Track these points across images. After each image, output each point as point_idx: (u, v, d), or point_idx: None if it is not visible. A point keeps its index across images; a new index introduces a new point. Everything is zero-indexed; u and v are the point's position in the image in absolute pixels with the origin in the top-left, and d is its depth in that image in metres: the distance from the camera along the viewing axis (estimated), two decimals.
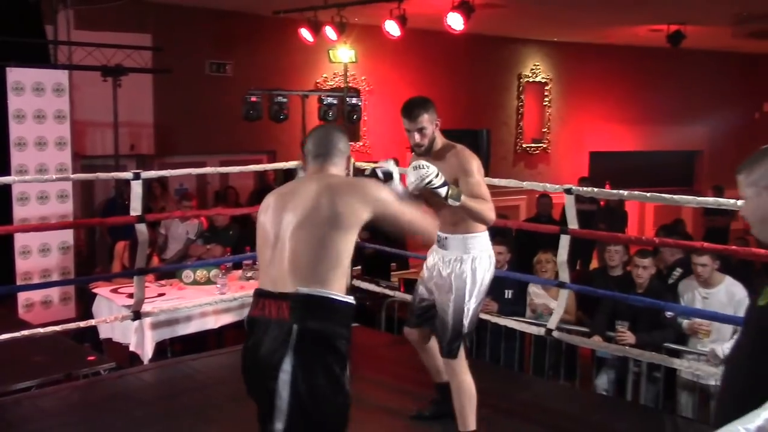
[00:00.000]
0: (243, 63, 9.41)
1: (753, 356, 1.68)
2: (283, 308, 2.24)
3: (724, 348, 3.93)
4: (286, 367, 2.19)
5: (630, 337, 4.67)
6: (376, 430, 3.86)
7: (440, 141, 3.47)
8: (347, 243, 2.32)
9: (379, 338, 5.68)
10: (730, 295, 4.69)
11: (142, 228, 4.52)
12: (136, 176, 4.52)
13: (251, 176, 9.75)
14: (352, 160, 2.68)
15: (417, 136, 3.40)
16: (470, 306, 3.44)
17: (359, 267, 6.02)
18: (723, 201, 3.87)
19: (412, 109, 3.42)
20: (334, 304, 2.28)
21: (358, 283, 5.44)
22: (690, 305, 4.81)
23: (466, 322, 3.43)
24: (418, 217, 2.56)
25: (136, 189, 4.50)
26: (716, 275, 4.76)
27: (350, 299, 2.34)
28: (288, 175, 8.59)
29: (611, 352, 4.59)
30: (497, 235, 5.75)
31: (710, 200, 4.06)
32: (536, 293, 5.48)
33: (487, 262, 3.49)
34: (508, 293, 5.49)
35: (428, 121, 3.40)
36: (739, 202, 3.86)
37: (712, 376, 4.38)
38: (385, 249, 6.02)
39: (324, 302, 2.26)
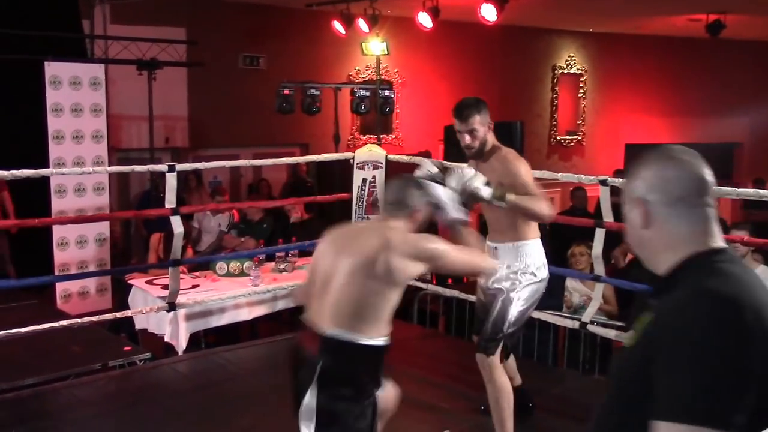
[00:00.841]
0: (276, 56, 9.44)
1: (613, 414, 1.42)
2: (315, 343, 2.44)
3: None
4: (310, 395, 2.41)
5: None
6: (407, 424, 3.84)
7: (491, 144, 3.36)
8: (393, 295, 2.47)
9: (411, 331, 5.66)
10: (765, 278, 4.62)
11: (176, 220, 4.56)
12: (171, 168, 4.55)
13: (284, 169, 9.79)
14: (425, 213, 2.70)
15: (468, 138, 3.30)
16: (515, 310, 3.36)
17: None
18: (764, 192, 3.80)
19: (463, 110, 3.31)
20: (361, 347, 2.42)
21: None
22: None
23: (506, 324, 3.36)
24: (470, 259, 2.67)
25: (171, 181, 4.54)
26: (752, 262, 4.69)
27: (381, 341, 2.46)
28: (320, 167, 8.64)
29: None
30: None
31: (751, 191, 3.99)
32: (574, 287, 5.41)
33: (538, 271, 3.39)
34: None
35: (480, 123, 3.29)
36: None
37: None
38: None
39: (351, 346, 2.42)
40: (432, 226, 2.82)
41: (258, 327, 5.93)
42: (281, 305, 5.55)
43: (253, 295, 5.39)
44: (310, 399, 2.40)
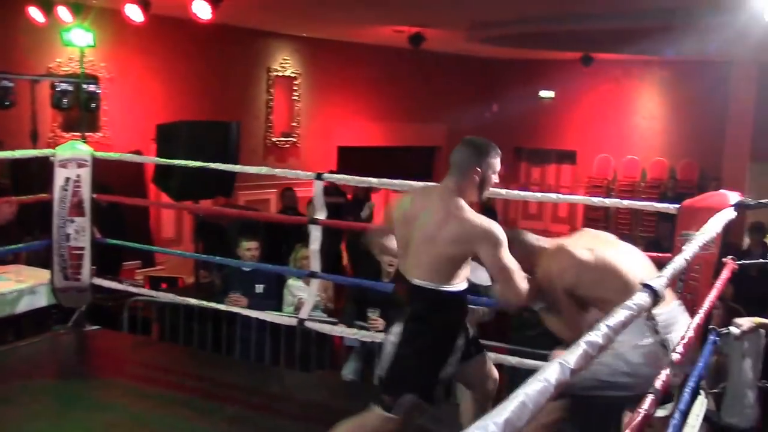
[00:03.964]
0: None
1: None
2: (405, 291, 2.91)
3: None
4: (395, 331, 2.91)
5: (381, 324, 4.82)
6: None
7: None
8: (461, 258, 2.83)
9: (122, 340, 5.38)
10: None
11: None
12: None
13: None
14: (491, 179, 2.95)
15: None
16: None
17: (95, 267, 5.62)
18: None
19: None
20: (440, 293, 2.82)
21: (99, 281, 5.08)
22: None
23: None
24: (515, 277, 2.80)
25: None
26: None
27: (457, 288, 2.85)
28: (16, 166, 7.83)
29: (358, 338, 4.70)
30: (247, 230, 5.69)
31: None
32: (296, 287, 5.47)
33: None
34: (259, 288, 5.44)
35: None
36: None
37: None
38: (127, 244, 5.68)
39: (431, 292, 2.82)
40: None
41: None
42: None
43: None
44: (392, 336, 2.91)
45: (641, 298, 1.48)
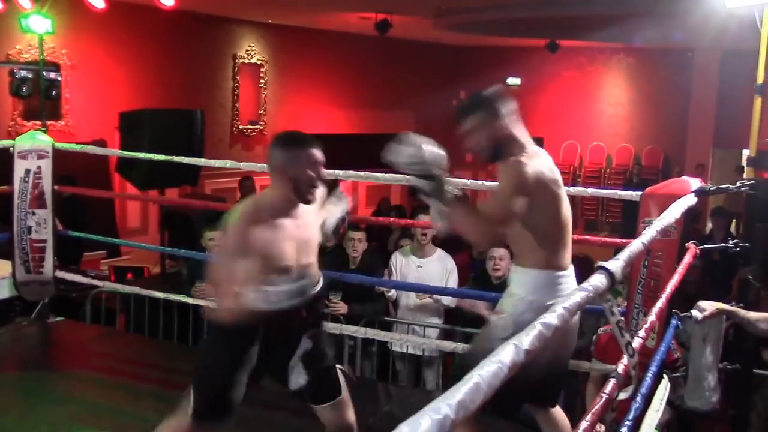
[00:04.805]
0: None
1: None
2: None
3: None
4: None
5: (342, 307, 4.83)
6: (87, 430, 3.58)
7: (505, 147, 2.79)
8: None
9: (87, 331, 5.31)
10: (443, 264, 5.11)
11: None
12: None
13: None
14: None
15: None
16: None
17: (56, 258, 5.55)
18: (399, 177, 4.18)
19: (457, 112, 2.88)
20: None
21: (62, 274, 5.01)
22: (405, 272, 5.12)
23: None
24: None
25: None
26: (430, 247, 5.15)
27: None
28: None
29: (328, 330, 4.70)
30: (212, 220, 5.64)
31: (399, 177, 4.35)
32: None
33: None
34: None
35: (474, 124, 2.83)
36: None
37: (421, 346, 4.72)
38: (90, 237, 5.60)
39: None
40: None
41: None
42: None
43: None
44: None
45: (598, 279, 1.50)
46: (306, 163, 2.64)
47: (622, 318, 1.83)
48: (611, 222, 13.81)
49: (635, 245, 1.88)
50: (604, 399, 1.55)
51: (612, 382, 1.65)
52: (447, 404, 0.88)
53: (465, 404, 0.91)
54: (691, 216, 3.32)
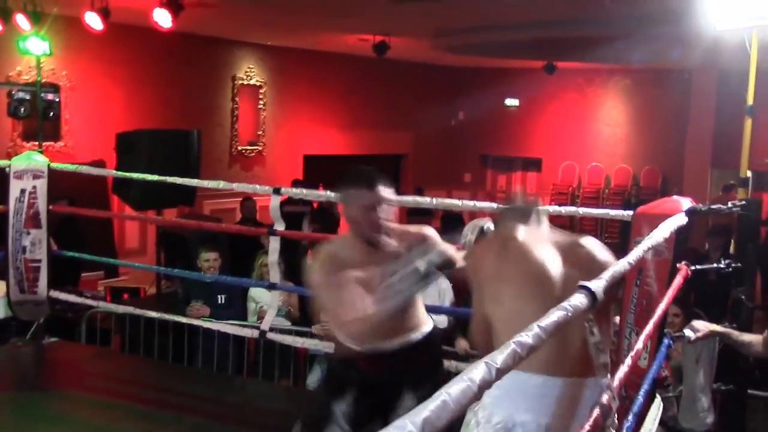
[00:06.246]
0: None
1: None
2: None
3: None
4: None
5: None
6: None
7: None
8: None
9: (82, 352, 5.31)
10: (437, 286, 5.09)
11: None
12: None
13: None
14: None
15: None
16: None
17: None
18: (420, 200, 4.21)
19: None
20: None
21: (56, 294, 5.01)
22: None
23: None
24: None
25: None
26: None
27: None
28: None
29: (320, 348, 4.68)
30: (208, 241, 5.66)
31: (409, 199, 4.38)
32: (258, 294, 5.42)
33: None
34: (221, 298, 5.41)
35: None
36: (435, 201, 4.22)
37: None
38: (84, 257, 5.60)
39: None
40: None
41: None
42: None
43: None
44: None
45: (578, 299, 1.50)
46: (361, 204, 2.49)
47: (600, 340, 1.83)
48: (610, 242, 13.79)
49: (621, 265, 1.88)
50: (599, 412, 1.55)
51: (606, 396, 1.65)
52: (412, 421, 0.88)
53: (431, 421, 0.91)
54: (684, 236, 3.32)
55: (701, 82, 12.86)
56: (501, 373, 1.09)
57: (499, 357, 1.12)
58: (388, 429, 0.86)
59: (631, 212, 3.49)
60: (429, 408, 0.92)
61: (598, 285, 1.62)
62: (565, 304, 1.44)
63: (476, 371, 1.05)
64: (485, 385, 1.04)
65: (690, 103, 13.12)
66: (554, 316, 1.36)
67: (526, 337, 1.22)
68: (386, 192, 2.52)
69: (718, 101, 12.52)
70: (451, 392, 0.97)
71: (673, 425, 3.48)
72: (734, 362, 3.58)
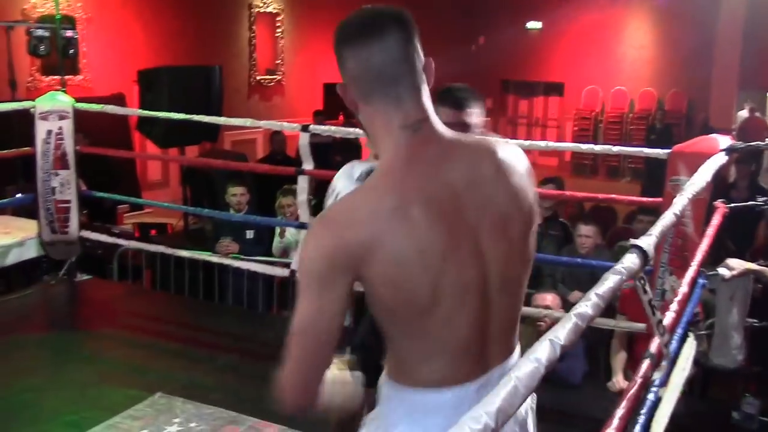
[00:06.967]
0: None
1: None
2: None
3: None
4: None
5: None
6: (114, 390, 3.65)
7: None
8: None
9: (113, 289, 5.39)
10: None
11: None
12: None
13: None
14: None
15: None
16: None
17: (86, 211, 5.61)
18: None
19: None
20: None
21: (87, 233, 5.05)
22: None
23: None
24: None
25: None
26: None
27: None
28: None
29: None
30: (233, 176, 5.64)
31: None
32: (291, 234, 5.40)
33: None
34: (250, 233, 5.43)
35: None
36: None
37: None
38: (113, 197, 5.63)
39: None
40: None
41: None
42: None
43: None
44: None
45: (630, 260, 1.47)
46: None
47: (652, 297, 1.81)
48: (633, 167, 13.65)
49: (668, 217, 1.85)
50: (638, 383, 1.55)
51: (647, 363, 1.64)
52: (486, 412, 0.87)
53: (505, 410, 0.90)
54: (720, 174, 3.26)
55: (729, 1, 12.46)
56: (564, 349, 1.08)
57: (562, 332, 1.10)
58: (461, 422, 0.85)
59: (667, 151, 3.43)
60: (501, 396, 0.91)
61: (648, 242, 1.59)
62: (619, 266, 1.42)
63: (541, 350, 1.04)
64: (551, 364, 1.03)
65: (717, 23, 12.74)
66: (611, 280, 1.34)
67: (585, 308, 1.20)
68: (475, 116, 2.21)
69: (747, 21, 12.16)
70: (519, 376, 0.96)
71: (704, 361, 3.49)
72: (766, 299, 3.57)
